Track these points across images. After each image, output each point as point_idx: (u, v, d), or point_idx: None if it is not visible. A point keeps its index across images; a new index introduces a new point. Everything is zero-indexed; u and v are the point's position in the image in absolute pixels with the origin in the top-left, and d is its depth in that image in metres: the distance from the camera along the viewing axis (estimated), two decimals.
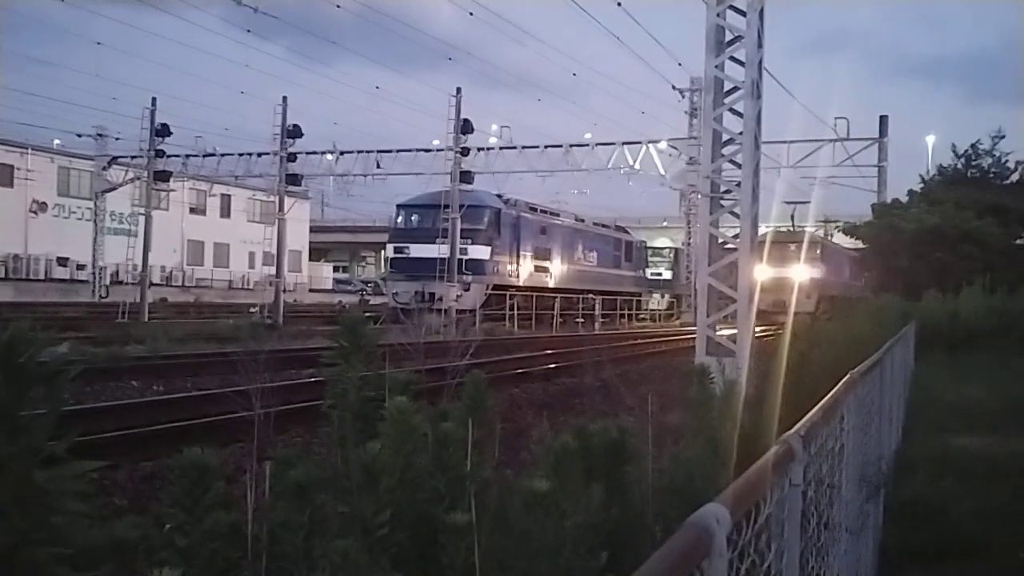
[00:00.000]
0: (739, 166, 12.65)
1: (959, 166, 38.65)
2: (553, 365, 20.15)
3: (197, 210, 68.32)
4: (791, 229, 45.63)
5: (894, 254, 32.32)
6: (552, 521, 1.99)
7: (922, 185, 39.55)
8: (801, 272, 38.95)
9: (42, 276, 55.32)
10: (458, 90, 35.04)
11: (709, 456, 2.87)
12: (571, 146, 36.73)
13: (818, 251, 44.15)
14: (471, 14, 32.86)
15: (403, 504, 2.03)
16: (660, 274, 58.50)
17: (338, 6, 30.58)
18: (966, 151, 38.44)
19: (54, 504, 1.25)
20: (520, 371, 18.63)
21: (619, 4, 27.47)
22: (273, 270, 37.95)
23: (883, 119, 39.24)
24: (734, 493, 1.62)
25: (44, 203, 58.69)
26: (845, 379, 4.04)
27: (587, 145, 36.85)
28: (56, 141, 58.79)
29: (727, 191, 13.03)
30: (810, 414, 2.86)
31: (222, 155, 40.31)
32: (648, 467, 2.71)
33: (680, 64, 40.06)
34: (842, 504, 3.65)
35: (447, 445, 2.25)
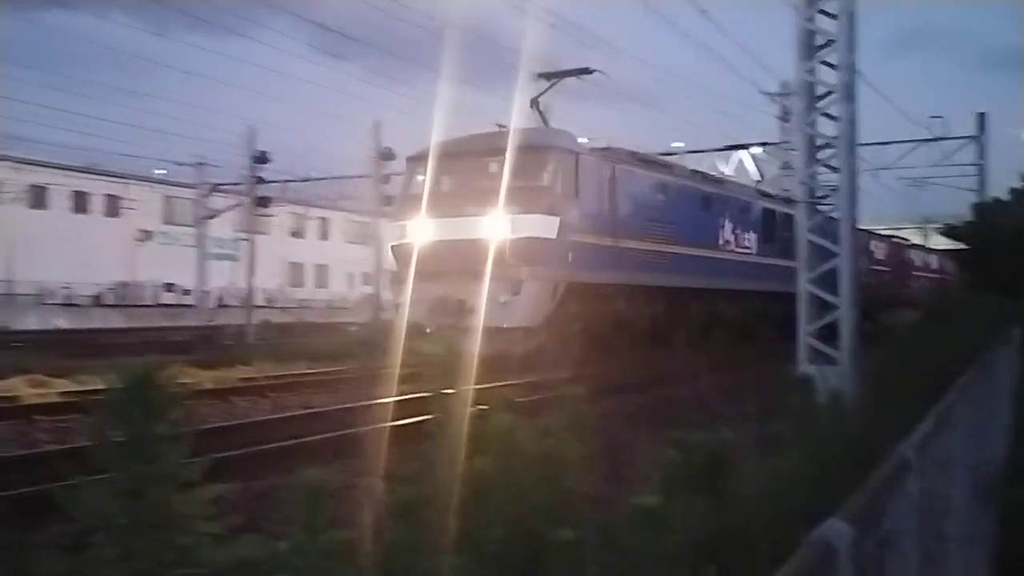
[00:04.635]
0: (835, 170, 12.45)
1: None
2: (646, 375, 19.95)
3: (297, 233, 69.94)
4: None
5: (993, 253, 31.08)
6: (659, 536, 2.00)
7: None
8: (507, 226, 16.90)
9: (150, 302, 57.13)
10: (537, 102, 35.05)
11: (815, 468, 2.84)
12: (661, 155, 36.43)
13: (565, 167, 18.22)
14: (553, 25, 32.85)
15: (511, 521, 2.05)
16: None
17: (419, 26, 31.31)
18: None
19: (187, 527, 1.32)
20: (611, 383, 18.49)
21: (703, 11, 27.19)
22: (372, 289, 38.58)
23: (981, 116, 37.88)
24: (854, 507, 1.60)
25: (149, 231, 60.86)
26: (955, 385, 3.95)
27: (677, 154, 36.46)
28: (158, 171, 60.77)
29: (824, 196, 12.82)
30: (923, 423, 2.81)
31: (318, 179, 41.27)
32: (753, 479, 2.69)
33: (767, 69, 39.35)
34: (955, 513, 3.56)
35: (551, 461, 2.27)
